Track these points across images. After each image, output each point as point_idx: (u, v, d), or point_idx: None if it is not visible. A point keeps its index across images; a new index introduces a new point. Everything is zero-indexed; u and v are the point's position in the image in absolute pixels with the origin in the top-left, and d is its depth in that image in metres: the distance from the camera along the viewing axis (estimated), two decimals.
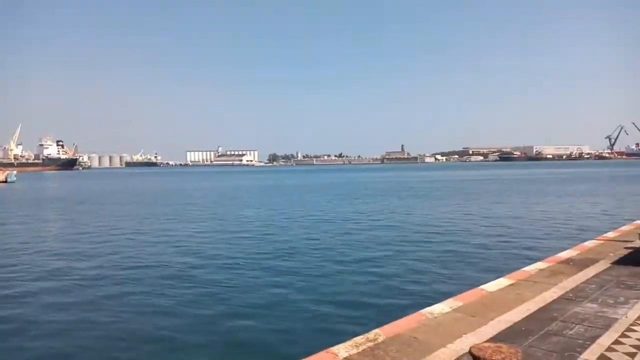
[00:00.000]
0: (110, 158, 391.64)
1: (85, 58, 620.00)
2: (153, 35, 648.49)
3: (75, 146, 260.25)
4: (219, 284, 11.49)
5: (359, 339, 4.64)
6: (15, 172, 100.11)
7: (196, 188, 61.77)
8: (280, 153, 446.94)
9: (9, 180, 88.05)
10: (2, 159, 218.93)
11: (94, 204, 36.96)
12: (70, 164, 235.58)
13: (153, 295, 10.58)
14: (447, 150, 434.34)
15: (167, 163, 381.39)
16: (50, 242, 18.85)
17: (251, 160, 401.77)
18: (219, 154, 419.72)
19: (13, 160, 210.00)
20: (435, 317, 5.28)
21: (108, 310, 9.63)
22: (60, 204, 37.94)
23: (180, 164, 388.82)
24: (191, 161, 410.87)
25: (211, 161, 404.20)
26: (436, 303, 5.91)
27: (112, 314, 9.42)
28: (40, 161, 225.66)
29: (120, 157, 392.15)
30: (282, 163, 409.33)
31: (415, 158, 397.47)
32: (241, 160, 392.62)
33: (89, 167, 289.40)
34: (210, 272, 12.81)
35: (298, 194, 45.94)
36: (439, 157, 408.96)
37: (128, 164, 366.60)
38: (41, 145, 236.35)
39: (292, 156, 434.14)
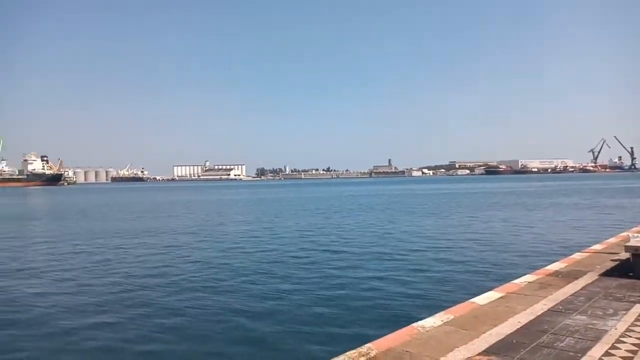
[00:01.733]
0: (96, 173, 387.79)
1: (70, 70, 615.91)
2: (138, 45, 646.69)
3: (60, 161, 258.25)
4: (209, 293, 11.36)
5: (351, 353, 4.60)
6: None
7: (184, 201, 61.29)
8: (268, 167, 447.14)
9: None
10: None
11: (80, 220, 36.47)
12: (55, 179, 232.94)
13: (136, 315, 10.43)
14: (433, 165, 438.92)
15: (154, 178, 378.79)
16: (32, 259, 18.50)
17: (239, 175, 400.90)
18: (207, 168, 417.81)
19: None
20: (427, 331, 5.27)
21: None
22: (41, 220, 37.35)
23: (168, 179, 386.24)
24: (178, 176, 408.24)
25: (198, 176, 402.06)
26: (427, 317, 5.90)
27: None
28: (25, 176, 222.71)
29: (107, 172, 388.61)
30: (270, 177, 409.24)
31: (403, 172, 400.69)
32: (229, 175, 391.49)
33: (74, 183, 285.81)
34: (202, 281, 12.68)
35: (288, 208, 45.83)
36: (425, 170, 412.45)
37: (114, 179, 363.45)
38: (25, 160, 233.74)
39: (280, 170, 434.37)
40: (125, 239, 23.63)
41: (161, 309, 10.61)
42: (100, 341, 8.68)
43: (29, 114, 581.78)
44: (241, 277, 13.77)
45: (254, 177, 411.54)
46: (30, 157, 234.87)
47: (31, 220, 38.07)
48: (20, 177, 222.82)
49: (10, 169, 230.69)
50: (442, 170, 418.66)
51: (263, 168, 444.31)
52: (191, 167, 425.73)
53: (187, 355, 8.02)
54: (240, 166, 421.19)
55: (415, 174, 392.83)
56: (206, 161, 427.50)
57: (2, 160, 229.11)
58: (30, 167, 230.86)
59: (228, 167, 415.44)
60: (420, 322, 5.62)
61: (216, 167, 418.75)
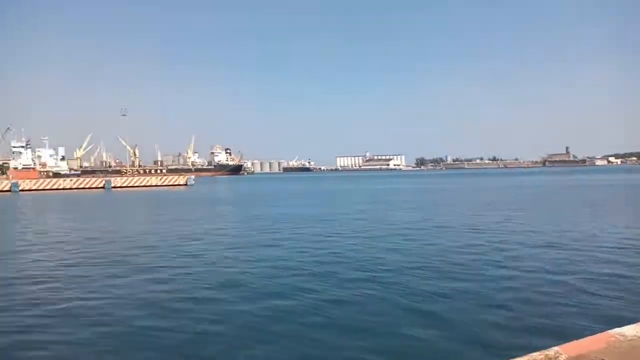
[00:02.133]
0: (270, 164, 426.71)
1: (238, 70, 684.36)
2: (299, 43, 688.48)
3: (241, 154, 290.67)
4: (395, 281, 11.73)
5: (536, 355, 4.34)
6: (193, 176, 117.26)
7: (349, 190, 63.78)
8: (428, 157, 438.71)
9: (188, 183, 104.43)
10: (183, 165, 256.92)
11: (259, 204, 40.71)
12: (237, 169, 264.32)
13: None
14: (622, 152, 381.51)
15: (319, 168, 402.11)
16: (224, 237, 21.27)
17: (398, 165, 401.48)
18: (367, 158, 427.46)
19: (191, 167, 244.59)
20: (628, 340, 4.68)
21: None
22: (235, 205, 42.59)
23: (332, 169, 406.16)
24: (341, 166, 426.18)
25: (359, 166, 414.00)
26: (626, 324, 5.25)
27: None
28: (213, 167, 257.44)
29: (279, 163, 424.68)
30: (431, 167, 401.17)
31: (583, 161, 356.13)
32: (388, 165, 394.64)
33: (253, 172, 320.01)
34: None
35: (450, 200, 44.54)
36: (612, 159, 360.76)
37: (285, 169, 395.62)
38: (212, 153, 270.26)
39: (441, 160, 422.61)
40: (298, 225, 25.61)
41: (320, 299, 11.15)
42: (266, 325, 9.44)
43: (213, 111, 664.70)
44: (405, 271, 13.74)
45: (413, 167, 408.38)
46: (216, 149, 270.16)
47: (228, 204, 43.74)
48: (209, 167, 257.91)
49: (200, 160, 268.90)
50: (634, 158, 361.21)
51: (423, 158, 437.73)
52: (352, 158, 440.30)
53: (350, 346, 8.18)
54: (399, 156, 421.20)
55: (599, 163, 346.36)
56: (366, 152, 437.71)
57: (195, 152, 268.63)
58: (216, 159, 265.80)
59: (387, 157, 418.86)
60: (617, 329, 5.01)
61: (376, 157, 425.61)
